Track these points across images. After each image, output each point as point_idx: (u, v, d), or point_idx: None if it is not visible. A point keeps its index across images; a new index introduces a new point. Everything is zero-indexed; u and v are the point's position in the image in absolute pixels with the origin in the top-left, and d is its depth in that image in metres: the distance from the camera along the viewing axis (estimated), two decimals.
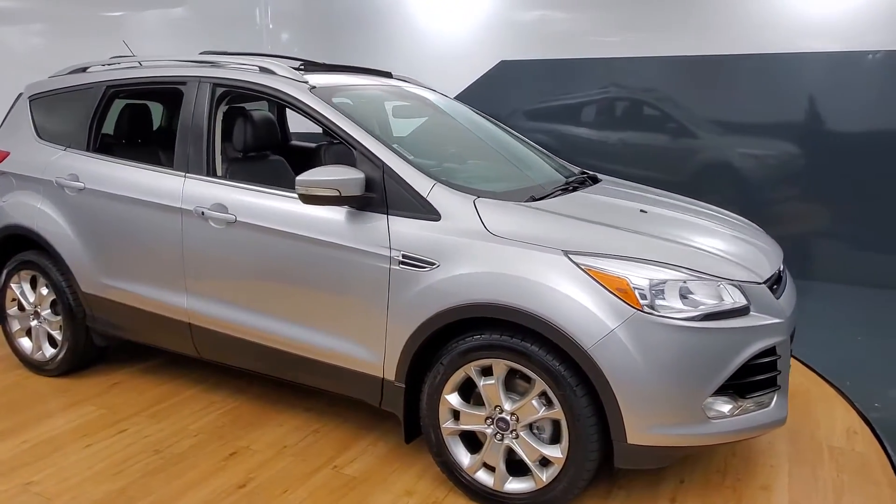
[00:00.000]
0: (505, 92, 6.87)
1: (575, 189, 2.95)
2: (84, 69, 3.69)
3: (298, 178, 2.50)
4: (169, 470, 2.72)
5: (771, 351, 2.29)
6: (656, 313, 2.15)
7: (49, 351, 3.61)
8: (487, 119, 3.74)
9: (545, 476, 2.34)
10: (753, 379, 2.26)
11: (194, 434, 3.01)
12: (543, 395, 2.31)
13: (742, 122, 5.58)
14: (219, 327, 2.99)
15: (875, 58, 5.05)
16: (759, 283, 2.32)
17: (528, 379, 2.36)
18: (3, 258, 3.68)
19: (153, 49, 5.44)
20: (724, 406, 2.24)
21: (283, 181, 3.27)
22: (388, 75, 3.76)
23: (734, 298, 2.24)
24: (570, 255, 2.25)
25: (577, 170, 3.46)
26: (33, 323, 3.64)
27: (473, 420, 2.45)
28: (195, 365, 3.66)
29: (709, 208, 3.09)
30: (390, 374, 2.57)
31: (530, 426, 2.37)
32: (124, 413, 3.21)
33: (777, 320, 2.29)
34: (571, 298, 2.19)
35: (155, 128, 4.01)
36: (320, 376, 2.80)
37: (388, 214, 2.53)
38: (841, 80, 5.23)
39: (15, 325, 3.71)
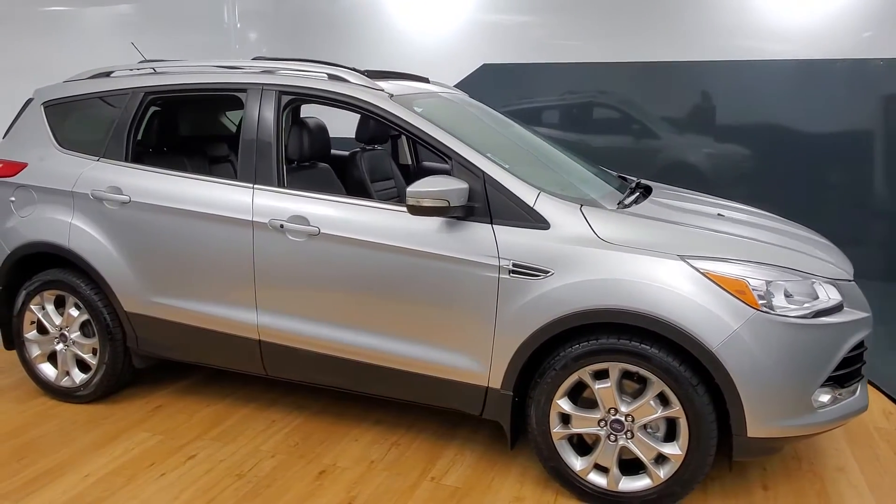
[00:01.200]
0: (487, 94, 6.92)
1: (642, 194, 3.06)
2: (108, 74, 3.46)
3: (410, 189, 2.47)
4: (263, 493, 2.62)
5: (860, 343, 2.47)
6: (773, 312, 2.28)
7: (79, 376, 3.37)
8: (525, 126, 3.79)
9: (663, 473, 2.43)
10: (848, 370, 2.44)
11: (270, 454, 2.90)
12: (660, 394, 2.39)
13: (704, 124, 5.80)
14: (295, 343, 2.89)
15: (834, 66, 5.44)
16: (850, 280, 2.50)
17: (639, 380, 2.44)
18: (19, 278, 3.40)
19: (103, 49, 5.11)
20: (826, 396, 2.41)
21: (332, 189, 3.20)
22: (426, 80, 3.75)
23: (831, 296, 2.41)
24: (688, 260, 2.34)
25: (614, 174, 3.57)
26: (58, 347, 3.38)
27: (586, 423, 2.51)
28: (235, 382, 3.53)
29: (752, 209, 3.27)
30: (496, 383, 2.59)
31: (644, 426, 2.45)
32: (184, 437, 3.05)
33: (866, 314, 2.48)
34: (694, 301, 2.29)
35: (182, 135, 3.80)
36: (414, 389, 2.77)
37: (492, 224, 2.54)
38: (797, 85, 5.59)
39: (35, 351, 3.44)
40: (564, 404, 2.52)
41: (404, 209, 2.65)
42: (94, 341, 3.30)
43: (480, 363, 2.59)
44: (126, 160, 3.19)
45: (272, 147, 2.91)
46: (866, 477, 2.74)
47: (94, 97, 3.35)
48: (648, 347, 2.35)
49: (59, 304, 3.37)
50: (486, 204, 2.56)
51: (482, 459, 2.87)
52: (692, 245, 2.41)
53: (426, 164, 4.45)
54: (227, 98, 3.63)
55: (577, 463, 2.54)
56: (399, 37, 7.04)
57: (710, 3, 5.51)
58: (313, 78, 2.98)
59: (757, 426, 2.31)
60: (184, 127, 3.64)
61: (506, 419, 2.62)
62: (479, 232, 2.55)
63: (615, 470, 2.49)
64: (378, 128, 3.89)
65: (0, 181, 3.39)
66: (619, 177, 3.53)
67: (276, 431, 3.11)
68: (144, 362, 3.36)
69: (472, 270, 2.53)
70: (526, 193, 2.54)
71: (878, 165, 5.03)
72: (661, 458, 2.45)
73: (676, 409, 2.37)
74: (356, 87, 2.87)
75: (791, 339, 2.29)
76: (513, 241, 2.50)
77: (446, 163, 2.68)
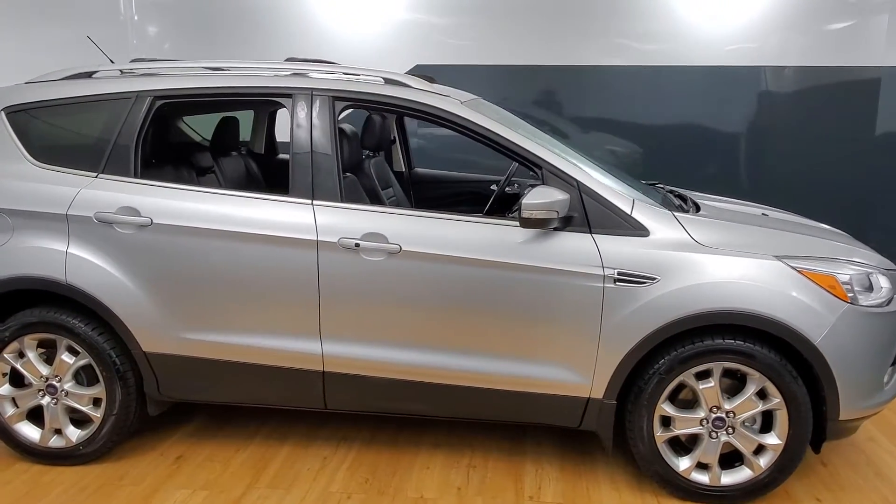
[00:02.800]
0: None
1: (681, 198, 3.17)
2: (89, 74, 2.94)
3: (525, 202, 2.37)
4: None
5: None
6: (858, 304, 2.48)
7: (75, 433, 2.84)
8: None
9: (763, 462, 2.55)
10: None
11: (346, 495, 2.65)
12: (760, 389, 2.51)
13: (618, 124, 6.11)
14: (367, 371, 2.66)
15: (742, 72, 6.02)
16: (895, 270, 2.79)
17: (735, 377, 2.54)
18: None
19: None
20: (890, 375, 2.66)
21: (360, 199, 3.00)
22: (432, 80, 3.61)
23: (883, 285, 2.67)
24: (784, 260, 2.47)
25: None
26: (44, 401, 2.82)
27: (689, 424, 2.57)
28: (250, 419, 3.19)
29: (773, 208, 3.52)
30: (598, 393, 2.56)
31: (743, 420, 2.56)
32: (234, 490, 2.69)
33: None
34: (796, 298, 2.43)
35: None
36: (504, 407, 2.67)
37: (591, 233, 2.51)
38: (707, 89, 6.15)
39: (8, 409, 2.85)
40: (668, 407, 2.55)
41: (492, 222, 2.57)
42: (95, 390, 2.79)
43: (582, 374, 2.55)
44: (135, 176, 2.73)
45: (332, 159, 2.64)
46: (893, 442, 3.08)
47: (78, 102, 2.82)
48: (753, 346, 2.45)
49: (46, 351, 2.81)
50: (583, 213, 2.52)
51: (564, 470, 2.84)
52: (782, 245, 2.55)
53: (419, 170, 4.30)
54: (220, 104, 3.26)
55: (680, 463, 2.60)
56: (323, 33, 6.68)
57: (635, 11, 5.79)
58: (369, 82, 2.75)
59: (847, 409, 2.50)
60: (191, 136, 3.20)
61: (609, 429, 2.60)
62: (580, 242, 2.50)
63: (716, 466, 2.57)
64: (383, 134, 3.69)
65: None
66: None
67: (336, 468, 2.84)
68: (159, 409, 2.91)
69: (575, 281, 2.49)
70: (622, 201, 2.54)
71: (763, 157, 5.65)
72: (758, 449, 2.57)
73: (777, 402, 2.50)
74: (423, 93, 2.70)
75: (872, 326, 2.50)
76: (615, 249, 2.49)
77: (535, 172, 2.61)
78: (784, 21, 5.65)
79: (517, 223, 2.49)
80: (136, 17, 7.00)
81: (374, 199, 3.30)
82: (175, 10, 7.05)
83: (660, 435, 2.57)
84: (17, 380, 2.85)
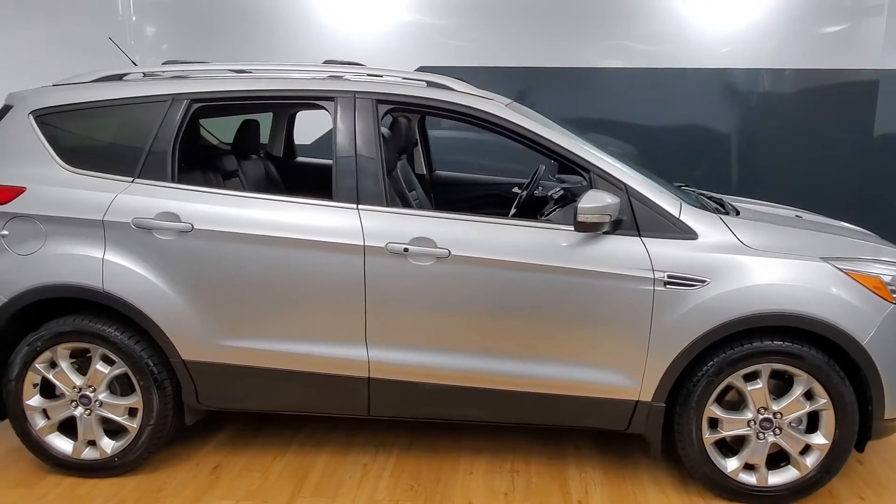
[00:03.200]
0: None
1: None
2: (120, 77, 2.88)
3: (581, 206, 2.37)
4: None
5: None
6: None
7: (109, 444, 2.77)
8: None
9: (809, 462, 2.58)
10: None
11: (394, 503, 2.62)
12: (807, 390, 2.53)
13: (616, 125, 6.14)
14: (415, 377, 2.63)
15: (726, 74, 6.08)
16: None
17: (781, 378, 2.56)
18: (15, 332, 2.72)
19: None
20: None
21: (396, 203, 2.97)
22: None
23: None
24: (829, 261, 2.50)
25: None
26: (77, 412, 2.75)
27: (736, 425, 2.58)
28: (283, 426, 3.15)
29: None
30: (647, 396, 2.57)
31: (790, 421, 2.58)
32: (278, 500, 2.64)
33: None
34: (844, 300, 2.45)
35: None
36: (553, 411, 2.66)
37: (640, 236, 2.52)
38: (693, 91, 6.18)
39: (39, 421, 2.77)
40: (716, 409, 2.57)
41: (540, 225, 2.56)
42: (131, 400, 2.73)
43: (631, 377, 2.55)
44: (172, 180, 2.68)
45: (376, 163, 2.61)
46: None
47: (110, 105, 2.76)
48: (801, 347, 2.48)
49: (80, 360, 2.74)
50: (631, 217, 2.52)
51: (608, 474, 2.84)
52: (825, 247, 2.58)
53: (440, 173, 4.28)
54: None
55: (728, 465, 2.61)
56: (324, 33, 6.61)
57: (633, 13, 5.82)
58: (411, 85, 2.72)
59: (891, 408, 2.54)
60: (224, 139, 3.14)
61: (657, 431, 2.61)
62: (630, 245, 2.50)
63: (763, 467, 2.59)
64: (409, 137, 3.67)
65: None
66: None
67: (378, 476, 2.81)
68: (196, 417, 2.86)
69: (626, 284, 2.49)
70: (670, 205, 2.55)
71: (761, 157, 5.74)
72: (805, 449, 2.59)
73: (824, 402, 2.52)
74: (468, 97, 2.68)
75: None
76: (665, 252, 2.49)
77: (582, 175, 2.60)
78: (782, 24, 5.74)
79: (566, 227, 2.49)
80: (133, 18, 6.89)
81: (405, 203, 3.27)
82: (174, 9, 6.95)
83: (708, 437, 2.58)
84: (47, 390, 2.78)
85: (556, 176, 3.51)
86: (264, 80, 2.77)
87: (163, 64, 3.00)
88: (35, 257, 2.64)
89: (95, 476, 2.78)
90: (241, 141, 3.48)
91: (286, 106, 3.70)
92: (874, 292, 2.48)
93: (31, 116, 2.77)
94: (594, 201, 2.38)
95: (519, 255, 2.51)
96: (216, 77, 2.80)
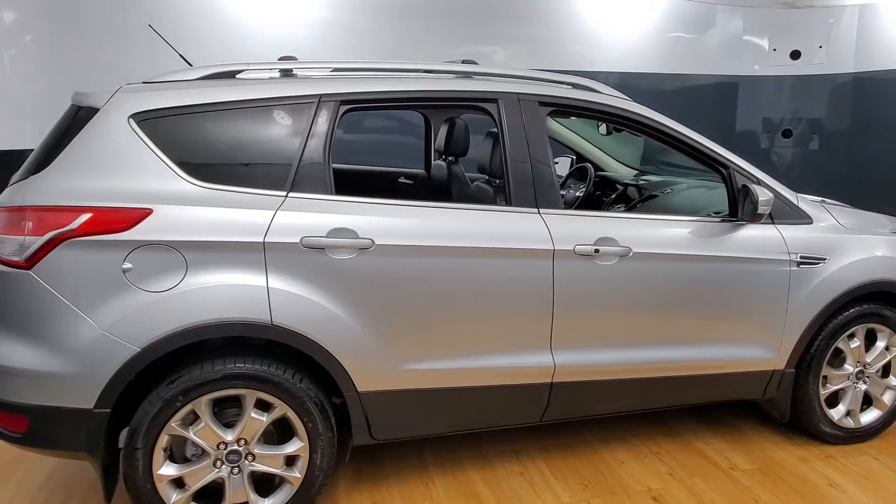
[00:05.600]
0: None
1: None
2: (233, 74, 2.46)
3: (762, 199, 2.59)
4: None
5: None
6: None
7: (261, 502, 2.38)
8: None
9: (888, 400, 3.12)
10: None
11: (586, 502, 2.63)
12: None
13: None
14: (592, 376, 2.67)
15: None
16: None
17: (852, 336, 3.05)
18: (142, 386, 2.22)
19: None
20: None
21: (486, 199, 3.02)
22: None
23: None
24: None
25: None
26: (223, 473, 2.32)
27: (840, 380, 3.03)
28: (393, 451, 2.98)
29: None
30: (781, 365, 2.91)
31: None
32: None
33: None
34: None
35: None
36: (706, 389, 2.88)
37: (774, 223, 2.83)
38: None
39: (172, 495, 2.29)
40: (827, 368, 2.99)
41: (697, 220, 2.76)
42: (294, 446, 2.37)
43: (771, 349, 2.87)
44: (331, 192, 2.37)
45: (549, 165, 2.59)
46: None
47: (238, 107, 2.34)
48: (883, 307, 3.00)
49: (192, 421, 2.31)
50: None
51: (728, 440, 3.13)
52: (888, 224, 3.14)
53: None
54: None
55: (834, 414, 3.05)
56: (232, 30, 6.08)
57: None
58: (563, 87, 2.73)
59: None
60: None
61: (788, 395, 2.96)
62: (769, 232, 2.81)
63: (856, 411, 3.09)
64: (466, 141, 3.61)
65: (95, 240, 2.12)
66: None
67: (544, 481, 2.78)
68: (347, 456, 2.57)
69: (771, 267, 2.79)
70: (790, 194, 2.91)
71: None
72: (884, 391, 3.13)
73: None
74: (619, 99, 2.77)
75: None
76: (794, 236, 2.85)
77: (719, 173, 2.83)
78: (667, 37, 6.66)
79: (714, 220, 2.75)
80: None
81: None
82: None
83: (822, 392, 3.00)
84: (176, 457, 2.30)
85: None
86: (421, 81, 2.57)
87: (279, 59, 2.61)
88: (177, 293, 2.16)
89: None
90: None
91: (438, 109, 3.43)
92: None
93: (132, 121, 2.24)
94: (764, 195, 2.64)
95: (688, 248, 2.69)
96: (366, 77, 2.53)
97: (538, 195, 2.56)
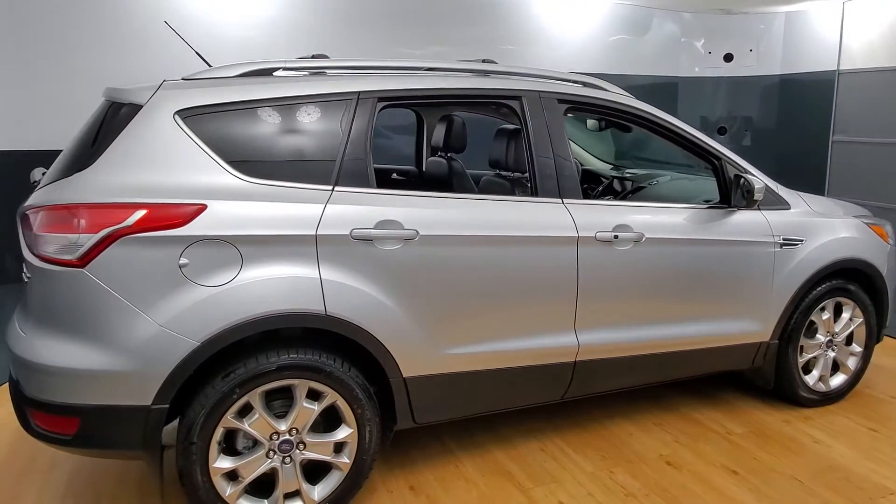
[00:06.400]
0: None
1: None
2: (270, 72, 2.50)
3: (758, 187, 2.87)
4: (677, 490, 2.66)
5: None
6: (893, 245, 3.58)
7: (317, 490, 2.44)
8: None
9: (851, 365, 3.50)
10: None
11: (609, 471, 2.83)
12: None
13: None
14: (610, 353, 2.87)
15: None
16: None
17: (823, 310, 3.41)
18: (198, 381, 2.23)
19: None
20: None
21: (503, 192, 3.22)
22: None
23: None
24: (860, 218, 3.44)
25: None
26: (276, 462, 2.37)
27: (814, 349, 3.38)
28: (411, 438, 3.09)
29: None
30: (767, 337, 3.22)
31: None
32: (516, 497, 2.65)
33: None
34: (871, 244, 3.41)
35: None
36: (704, 362, 3.15)
37: (760, 209, 3.14)
38: None
39: (227, 488, 2.32)
40: (804, 339, 3.33)
41: (698, 207, 3.02)
42: (343, 433, 2.44)
43: (762, 323, 3.18)
44: (373, 185, 2.46)
45: (569, 158, 2.77)
46: None
47: (279, 104, 2.39)
48: (848, 282, 3.37)
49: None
50: None
51: (718, 409, 3.42)
52: (850, 209, 3.52)
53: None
54: None
55: (809, 379, 3.40)
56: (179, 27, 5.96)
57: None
58: (573, 86, 2.92)
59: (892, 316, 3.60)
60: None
61: (772, 364, 3.28)
62: (757, 217, 3.11)
63: (828, 375, 3.45)
64: (465, 138, 3.75)
65: (151, 237, 2.12)
66: None
67: (565, 455, 2.96)
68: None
69: (760, 249, 3.10)
70: (772, 182, 3.22)
71: None
72: (848, 357, 3.50)
73: (860, 322, 3.46)
74: (625, 97, 2.98)
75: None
76: (776, 220, 3.16)
77: (711, 164, 3.10)
78: (615, 41, 7.07)
79: (704, 206, 3.02)
80: None
81: None
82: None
83: (800, 361, 3.34)
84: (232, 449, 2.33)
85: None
86: (451, 79, 2.68)
87: (312, 56, 2.65)
88: (234, 287, 2.20)
89: None
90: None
91: (465, 106, 3.54)
92: (882, 238, 3.49)
93: (177, 117, 2.26)
94: (759, 184, 2.92)
95: (692, 233, 2.94)
96: (400, 74, 2.62)
97: (561, 186, 2.73)
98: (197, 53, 2.81)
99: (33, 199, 2.24)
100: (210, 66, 2.67)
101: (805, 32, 7.33)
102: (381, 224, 2.39)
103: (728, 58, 7.93)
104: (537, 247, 2.64)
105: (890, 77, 6.29)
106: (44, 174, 2.40)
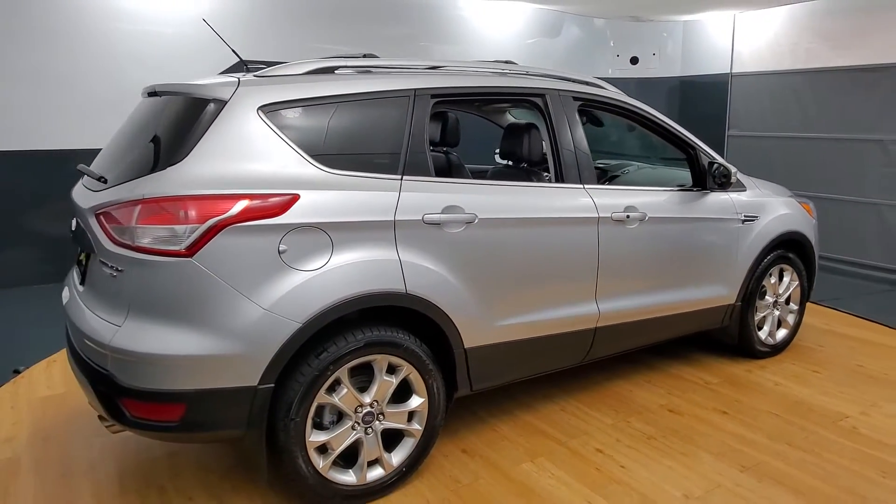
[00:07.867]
0: None
1: None
2: (332, 70, 2.67)
3: (734, 171, 3.40)
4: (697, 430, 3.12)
5: None
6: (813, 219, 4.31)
7: (394, 456, 2.65)
8: None
9: (791, 320, 4.18)
10: None
11: (627, 421, 3.25)
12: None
13: None
14: (622, 319, 3.29)
15: None
16: None
17: (770, 276, 4.07)
18: (298, 357, 2.38)
19: None
20: None
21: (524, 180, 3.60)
22: None
23: None
24: (794, 198, 4.12)
25: None
26: (360, 433, 2.56)
27: (765, 308, 4.02)
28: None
29: None
30: (733, 300, 3.79)
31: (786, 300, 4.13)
32: (558, 451, 3.00)
33: None
34: (805, 219, 4.10)
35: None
36: (684, 324, 3.65)
37: (727, 192, 3.70)
38: None
39: (319, 460, 2.48)
40: (757, 301, 3.95)
41: (680, 190, 3.51)
42: (416, 402, 2.66)
43: (730, 288, 3.74)
44: (431, 174, 2.70)
45: (586, 149, 3.14)
46: None
47: (347, 100, 2.56)
48: (789, 252, 4.04)
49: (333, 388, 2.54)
50: None
51: (699, 363, 3.96)
52: (785, 190, 4.19)
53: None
54: None
55: (762, 334, 4.03)
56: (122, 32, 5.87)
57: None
58: (582, 84, 3.30)
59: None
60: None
61: (737, 323, 3.86)
62: (725, 198, 3.67)
63: (775, 330, 4.10)
64: (459, 133, 4.04)
65: (253, 226, 2.25)
66: None
67: (584, 412, 3.34)
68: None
69: (729, 224, 3.65)
70: (733, 168, 3.79)
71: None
72: (788, 314, 4.18)
73: (797, 284, 4.15)
74: (622, 94, 3.40)
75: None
76: (738, 200, 3.74)
77: (687, 153, 3.60)
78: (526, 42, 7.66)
79: (685, 188, 3.53)
80: None
81: None
82: None
83: (757, 319, 3.96)
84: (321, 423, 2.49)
85: None
86: (491, 78, 2.96)
87: (363, 55, 2.82)
88: (329, 270, 2.36)
89: (381, 496, 2.62)
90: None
91: (499, 103, 3.81)
92: (808, 213, 4.19)
93: (260, 112, 2.38)
94: (733, 169, 3.47)
95: (681, 213, 3.42)
96: (451, 73, 2.86)
97: (581, 173, 3.11)
98: (233, 51, 2.88)
99: (112, 196, 2.28)
100: (243, 61, 2.78)
101: (701, 39, 8.28)
102: (447, 209, 2.64)
103: (634, 61, 8.75)
104: (569, 226, 2.99)
105: (776, 79, 7.29)
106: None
